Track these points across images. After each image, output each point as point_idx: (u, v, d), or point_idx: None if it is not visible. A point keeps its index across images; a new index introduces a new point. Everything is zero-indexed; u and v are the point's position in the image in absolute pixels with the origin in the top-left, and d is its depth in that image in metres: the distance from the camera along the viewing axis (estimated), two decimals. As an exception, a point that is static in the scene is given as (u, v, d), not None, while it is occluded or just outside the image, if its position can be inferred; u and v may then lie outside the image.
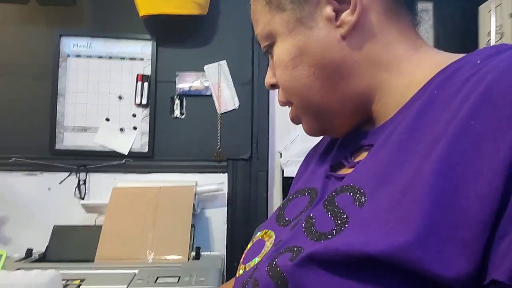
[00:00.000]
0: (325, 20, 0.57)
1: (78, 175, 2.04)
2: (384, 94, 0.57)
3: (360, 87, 0.58)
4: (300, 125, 0.67)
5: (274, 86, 0.66)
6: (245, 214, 2.11)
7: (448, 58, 0.53)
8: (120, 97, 2.10)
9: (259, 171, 2.14)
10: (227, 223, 2.09)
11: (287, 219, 0.61)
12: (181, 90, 2.12)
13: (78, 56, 2.10)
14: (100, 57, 2.11)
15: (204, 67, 2.13)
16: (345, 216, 0.47)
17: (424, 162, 0.43)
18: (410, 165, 0.45)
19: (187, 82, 2.13)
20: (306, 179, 0.67)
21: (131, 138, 2.09)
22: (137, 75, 2.11)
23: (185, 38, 2.15)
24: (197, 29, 2.14)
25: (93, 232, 1.76)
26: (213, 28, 2.16)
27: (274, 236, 0.60)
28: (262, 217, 2.09)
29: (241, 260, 0.63)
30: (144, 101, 2.09)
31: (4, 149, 2.02)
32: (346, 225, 0.46)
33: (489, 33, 1.93)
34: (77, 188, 2.03)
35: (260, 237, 0.63)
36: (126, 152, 2.07)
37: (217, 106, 2.12)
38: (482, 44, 2.03)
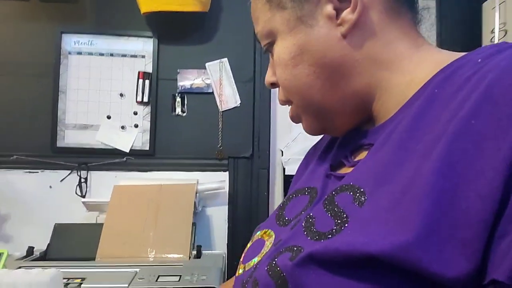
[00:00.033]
0: (325, 19, 0.57)
1: (79, 173, 2.04)
2: (385, 93, 0.57)
3: (361, 85, 0.58)
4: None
5: (274, 85, 0.66)
6: (246, 212, 2.11)
7: (449, 56, 0.53)
8: (121, 95, 2.10)
9: (260, 169, 2.13)
10: (228, 222, 2.09)
11: (287, 218, 0.61)
12: (182, 88, 2.11)
13: (80, 53, 2.10)
14: (102, 54, 2.11)
15: (206, 65, 2.13)
16: (345, 215, 0.47)
17: (424, 161, 0.43)
18: (410, 164, 0.45)
19: (188, 79, 2.12)
20: (306, 178, 0.67)
21: (132, 136, 2.08)
22: (139, 72, 2.10)
23: (187, 36, 2.15)
24: (199, 26, 2.14)
25: (94, 230, 1.75)
26: (215, 25, 2.16)
27: (274, 236, 0.60)
28: (263, 215, 2.09)
29: (241, 259, 0.63)
30: (146, 99, 2.09)
31: (5, 146, 2.02)
32: (346, 225, 0.46)
33: (492, 31, 1.92)
34: (78, 186, 2.03)
35: (260, 237, 0.63)
36: (127, 150, 2.07)
37: (218, 103, 2.12)
38: (485, 42, 2.02)
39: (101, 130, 2.07)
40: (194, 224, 1.81)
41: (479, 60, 0.47)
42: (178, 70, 2.12)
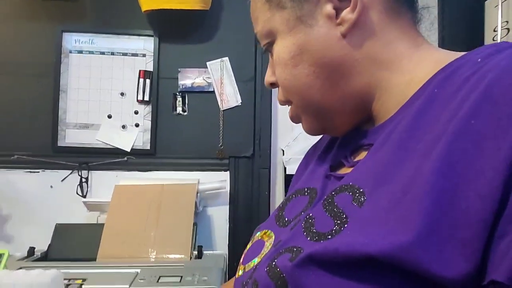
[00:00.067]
0: (325, 18, 0.56)
1: (80, 172, 2.04)
2: (385, 93, 0.57)
3: (361, 85, 0.58)
4: (301, 123, 0.67)
5: (273, 84, 0.65)
6: (247, 212, 2.10)
7: (449, 56, 0.53)
8: (122, 94, 2.10)
9: (261, 168, 2.13)
10: (229, 222, 2.08)
11: (286, 219, 0.61)
12: (183, 87, 2.11)
13: (80, 52, 2.10)
14: (102, 53, 2.11)
15: (207, 64, 2.13)
16: (344, 216, 0.47)
17: (424, 161, 0.43)
18: (410, 164, 0.45)
19: (189, 78, 2.12)
20: (306, 178, 0.67)
21: (133, 135, 2.08)
22: (139, 71, 2.10)
23: (188, 34, 2.14)
24: (200, 25, 2.13)
25: (95, 230, 1.75)
26: (216, 24, 2.16)
27: (273, 237, 0.60)
28: (264, 215, 2.08)
29: (241, 260, 0.63)
30: (147, 98, 2.08)
31: (6, 146, 2.02)
32: (346, 225, 0.46)
33: (495, 29, 1.91)
34: (79, 186, 2.03)
35: (260, 238, 0.63)
36: (128, 149, 2.07)
37: (219, 103, 2.12)
38: (488, 40, 2.01)
39: (102, 129, 2.07)
40: (195, 224, 1.81)
41: (479, 60, 0.47)
42: (179, 69, 2.11)
